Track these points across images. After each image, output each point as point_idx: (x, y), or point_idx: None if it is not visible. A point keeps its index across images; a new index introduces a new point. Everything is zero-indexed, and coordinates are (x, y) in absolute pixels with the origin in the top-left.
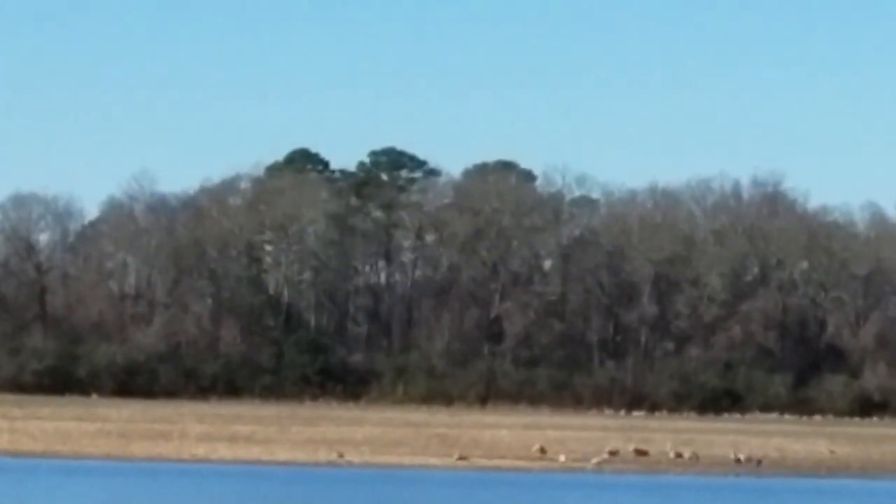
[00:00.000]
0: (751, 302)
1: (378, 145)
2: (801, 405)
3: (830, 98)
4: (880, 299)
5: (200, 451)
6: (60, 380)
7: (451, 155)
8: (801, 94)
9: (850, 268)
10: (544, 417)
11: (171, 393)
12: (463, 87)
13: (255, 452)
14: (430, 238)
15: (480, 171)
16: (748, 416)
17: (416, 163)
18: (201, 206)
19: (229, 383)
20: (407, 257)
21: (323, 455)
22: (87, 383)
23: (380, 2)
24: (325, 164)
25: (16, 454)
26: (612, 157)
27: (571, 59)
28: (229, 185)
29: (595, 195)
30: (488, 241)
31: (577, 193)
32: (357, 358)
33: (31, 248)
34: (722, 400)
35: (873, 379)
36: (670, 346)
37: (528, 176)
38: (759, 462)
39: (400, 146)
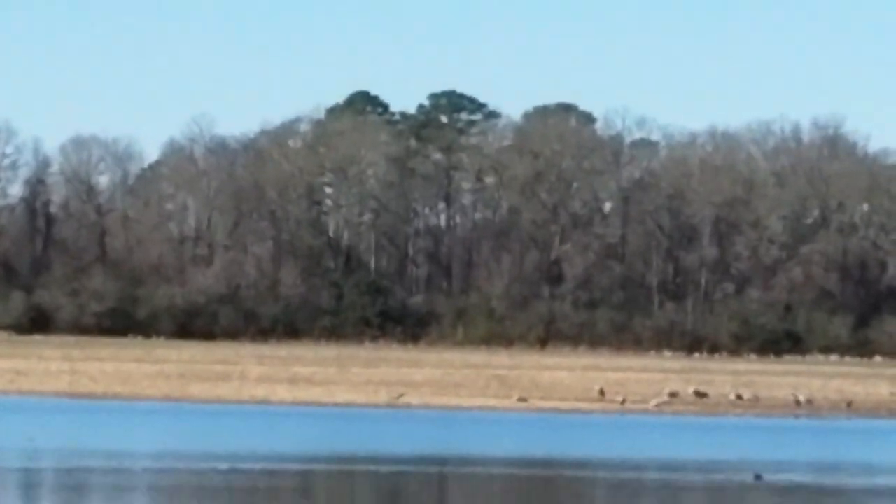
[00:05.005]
0: (811, 244)
1: (438, 88)
2: (861, 347)
3: (892, 39)
4: None
5: (260, 392)
6: (120, 322)
7: (511, 97)
8: (863, 35)
9: None
10: (604, 359)
11: (230, 335)
12: (523, 29)
13: (314, 394)
14: (489, 180)
15: (540, 114)
16: (808, 358)
17: (476, 105)
18: (261, 149)
19: (289, 325)
20: (467, 199)
21: (382, 396)
22: (146, 325)
23: None
24: (385, 107)
25: (76, 396)
26: (673, 99)
27: (632, 0)
28: (289, 128)
29: (655, 138)
30: (548, 183)
31: (637, 136)
32: (417, 300)
33: (91, 191)
34: (782, 342)
35: None
36: (730, 287)
37: (588, 118)
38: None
39: (460, 89)
